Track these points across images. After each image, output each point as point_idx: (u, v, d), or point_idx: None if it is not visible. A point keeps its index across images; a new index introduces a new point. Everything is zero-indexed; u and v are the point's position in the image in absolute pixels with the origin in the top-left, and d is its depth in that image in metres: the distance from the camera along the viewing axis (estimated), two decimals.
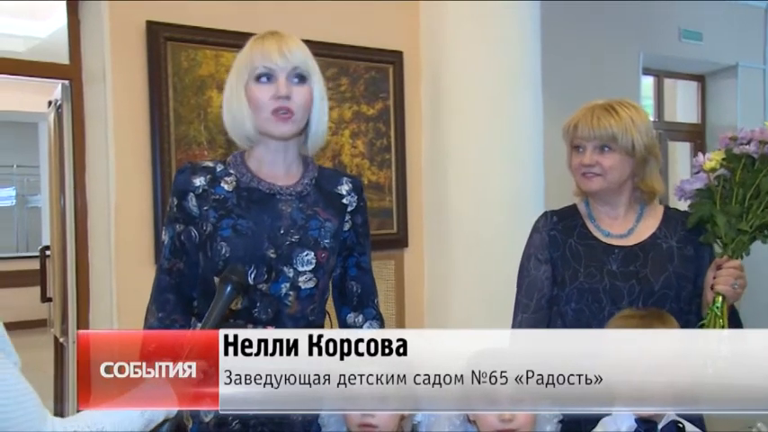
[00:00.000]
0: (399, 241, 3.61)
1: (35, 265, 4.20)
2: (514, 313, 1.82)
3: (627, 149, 1.71)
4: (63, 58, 3.06)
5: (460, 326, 3.39)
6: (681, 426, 1.48)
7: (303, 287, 1.55)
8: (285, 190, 1.60)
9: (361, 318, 1.69)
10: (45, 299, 3.88)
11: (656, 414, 1.45)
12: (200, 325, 1.40)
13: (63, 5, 3.08)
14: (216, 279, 1.44)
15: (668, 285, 1.69)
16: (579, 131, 1.73)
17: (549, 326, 1.75)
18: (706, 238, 1.71)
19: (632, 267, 1.70)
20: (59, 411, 3.34)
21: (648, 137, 1.74)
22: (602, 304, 1.67)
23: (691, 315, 1.71)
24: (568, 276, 1.73)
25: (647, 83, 5.80)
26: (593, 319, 1.68)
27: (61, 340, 3.43)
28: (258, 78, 1.54)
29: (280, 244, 1.54)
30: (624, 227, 1.78)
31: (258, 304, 1.54)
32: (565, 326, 1.71)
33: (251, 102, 1.55)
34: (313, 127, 1.61)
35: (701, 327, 1.63)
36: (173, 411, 1.23)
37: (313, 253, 1.56)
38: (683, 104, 6.37)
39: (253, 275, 1.52)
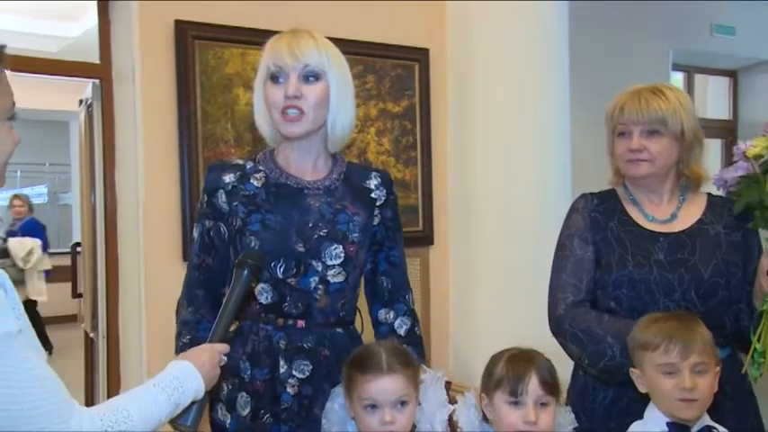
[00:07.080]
0: (425, 238, 3.60)
1: (67, 261, 4.27)
2: (560, 292, 1.69)
3: (676, 134, 1.64)
4: (94, 57, 3.10)
5: (486, 323, 3.37)
6: (715, 431, 1.44)
7: (332, 281, 1.55)
8: (313, 184, 1.60)
9: (392, 314, 1.66)
10: (76, 294, 3.94)
11: (690, 418, 1.41)
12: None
13: (94, 6, 3.12)
14: None
15: (718, 273, 1.62)
16: (626, 115, 1.65)
17: (598, 309, 1.67)
18: (755, 224, 1.64)
19: (680, 255, 1.64)
20: (90, 405, 3.38)
21: (695, 121, 1.68)
22: (656, 296, 1.62)
23: (741, 304, 1.65)
24: (615, 262, 1.66)
25: (677, 79, 5.70)
26: (649, 309, 1.61)
27: (91, 335, 3.49)
28: (272, 78, 1.54)
29: (308, 238, 1.54)
30: (667, 212, 1.71)
31: (288, 298, 1.54)
32: (622, 310, 1.64)
33: (266, 101, 1.56)
34: (329, 125, 1.58)
35: (761, 314, 1.58)
36: (200, 394, 1.24)
37: (342, 247, 1.55)
38: (713, 100, 6.25)
39: (282, 269, 1.53)
